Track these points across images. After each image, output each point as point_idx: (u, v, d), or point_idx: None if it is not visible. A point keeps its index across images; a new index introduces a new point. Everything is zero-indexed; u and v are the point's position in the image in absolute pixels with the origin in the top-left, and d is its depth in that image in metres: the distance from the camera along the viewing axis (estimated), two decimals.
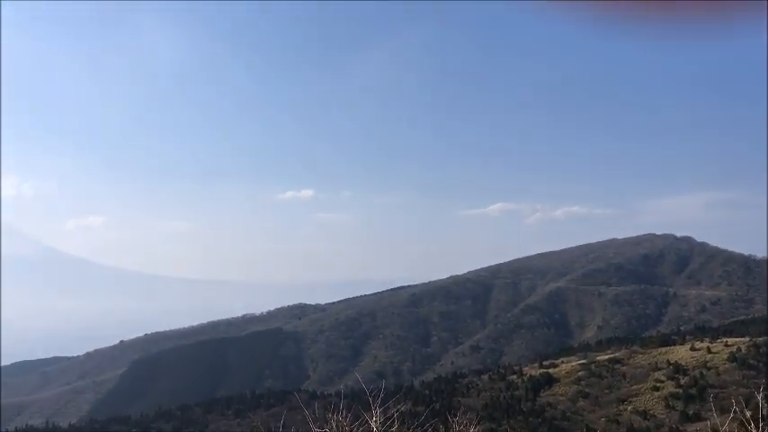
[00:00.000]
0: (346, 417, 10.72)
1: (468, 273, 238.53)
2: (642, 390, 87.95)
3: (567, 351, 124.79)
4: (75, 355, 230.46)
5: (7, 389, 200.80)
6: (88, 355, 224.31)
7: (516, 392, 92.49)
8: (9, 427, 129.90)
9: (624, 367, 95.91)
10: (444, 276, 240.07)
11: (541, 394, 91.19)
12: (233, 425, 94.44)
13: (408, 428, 12.20)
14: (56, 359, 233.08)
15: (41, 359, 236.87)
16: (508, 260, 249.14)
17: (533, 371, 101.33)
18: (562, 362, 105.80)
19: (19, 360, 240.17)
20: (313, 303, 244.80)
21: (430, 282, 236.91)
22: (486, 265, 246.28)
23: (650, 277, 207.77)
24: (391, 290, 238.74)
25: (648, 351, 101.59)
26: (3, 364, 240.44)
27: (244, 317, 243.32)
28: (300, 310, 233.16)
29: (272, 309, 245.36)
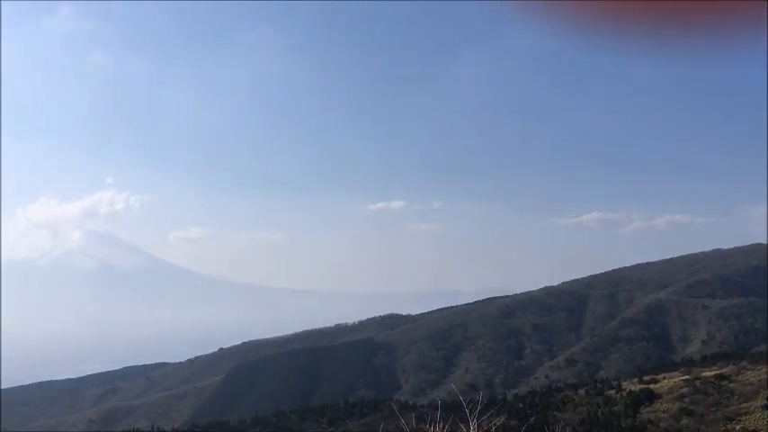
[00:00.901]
0: (443, 428, 10.81)
1: (563, 284, 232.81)
2: (752, 408, 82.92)
3: (669, 366, 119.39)
4: (177, 361, 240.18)
5: (117, 392, 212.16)
6: (190, 361, 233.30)
7: (615, 408, 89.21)
8: (118, 428, 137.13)
9: (732, 384, 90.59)
10: (537, 287, 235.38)
11: (642, 411, 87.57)
12: None
13: None
14: (160, 365, 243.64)
15: (147, 364, 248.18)
16: (604, 271, 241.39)
17: (633, 386, 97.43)
18: (664, 377, 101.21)
19: (127, 365, 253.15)
20: (404, 314, 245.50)
21: (522, 293, 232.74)
22: (580, 275, 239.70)
23: (759, 289, 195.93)
24: (483, 300, 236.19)
25: (758, 367, 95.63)
26: (112, 368, 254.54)
27: (336, 326, 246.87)
28: (392, 321, 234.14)
29: (363, 319, 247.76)
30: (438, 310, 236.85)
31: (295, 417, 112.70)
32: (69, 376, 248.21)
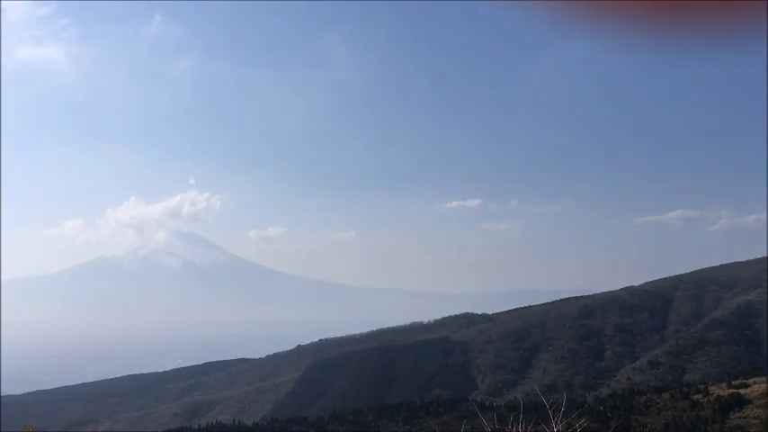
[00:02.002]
0: (525, 429, 10.37)
1: (645, 284, 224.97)
2: None
3: (760, 370, 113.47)
4: (257, 357, 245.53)
5: (200, 387, 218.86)
6: (269, 357, 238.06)
7: (701, 413, 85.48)
8: (201, 421, 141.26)
9: None
10: (618, 287, 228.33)
11: (731, 416, 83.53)
12: (403, 431, 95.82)
13: None
14: (240, 360, 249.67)
15: (228, 360, 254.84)
16: (690, 270, 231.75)
17: (721, 390, 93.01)
18: (755, 382, 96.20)
19: (209, 360, 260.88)
20: (480, 313, 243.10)
21: (603, 293, 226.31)
22: (664, 275, 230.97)
23: None
24: (561, 300, 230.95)
25: None
26: (195, 363, 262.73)
27: (411, 325, 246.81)
28: (467, 320, 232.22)
29: (438, 317, 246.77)
30: (515, 309, 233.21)
31: (371, 415, 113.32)
32: (154, 370, 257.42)
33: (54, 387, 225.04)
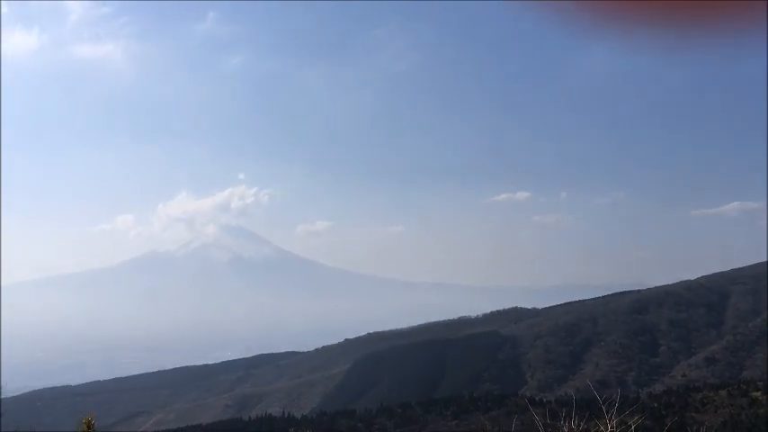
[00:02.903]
0: (578, 425, 9.84)
1: (701, 278, 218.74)
2: None
3: None
4: (305, 350, 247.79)
5: (250, 379, 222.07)
6: (317, 350, 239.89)
7: (760, 411, 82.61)
8: (252, 413, 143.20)
9: None
10: (673, 281, 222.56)
11: None
12: (451, 425, 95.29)
13: None
14: (289, 353, 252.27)
15: (277, 353, 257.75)
16: (748, 264, 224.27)
17: None
18: None
19: (258, 353, 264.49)
20: (530, 307, 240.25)
21: (657, 287, 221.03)
22: (721, 269, 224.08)
23: None
24: (613, 295, 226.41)
25: None
26: (245, 356, 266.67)
27: (460, 319, 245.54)
28: (517, 314, 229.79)
29: (487, 312, 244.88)
30: (565, 304, 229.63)
31: (420, 409, 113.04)
32: (206, 362, 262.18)
33: (110, 378, 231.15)
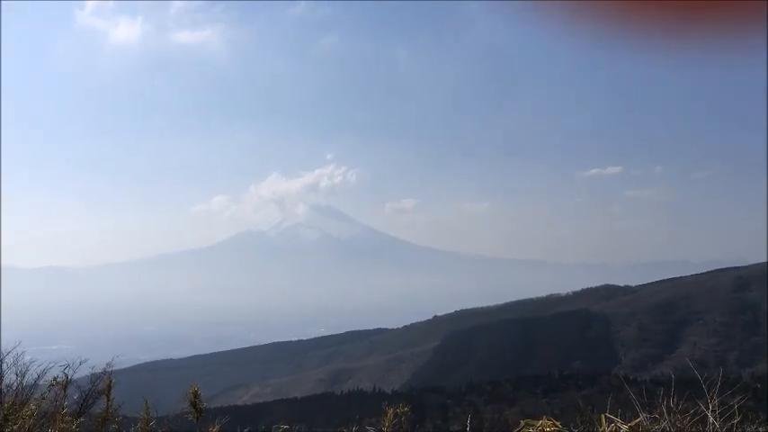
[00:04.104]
0: (676, 404, 9.74)
1: None
2: None
3: None
4: (394, 327, 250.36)
5: (341, 355, 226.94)
6: (406, 327, 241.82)
7: None
8: (343, 388, 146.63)
9: None
10: None
11: None
12: (542, 403, 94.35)
13: (753, 423, 10.75)
14: (378, 330, 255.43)
15: (367, 329, 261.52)
16: None
17: None
18: None
19: (349, 330, 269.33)
20: (622, 285, 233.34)
21: (761, 263, 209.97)
22: None
23: None
24: (712, 272, 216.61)
25: None
26: (335, 332, 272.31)
27: (549, 297, 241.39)
28: (608, 292, 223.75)
29: (577, 289, 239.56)
30: (660, 281, 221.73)
31: (509, 386, 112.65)
32: (299, 338, 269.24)
33: (210, 352, 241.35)
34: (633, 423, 6.49)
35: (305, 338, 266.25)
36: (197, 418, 7.68)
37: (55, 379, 7.96)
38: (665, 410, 10.35)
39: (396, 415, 7.34)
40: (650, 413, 9.81)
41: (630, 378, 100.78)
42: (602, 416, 6.46)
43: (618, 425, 6.34)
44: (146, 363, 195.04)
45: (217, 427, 7.58)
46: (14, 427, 6.85)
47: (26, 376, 8.33)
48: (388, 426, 7.27)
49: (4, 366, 8.01)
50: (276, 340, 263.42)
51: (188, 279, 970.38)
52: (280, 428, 7.57)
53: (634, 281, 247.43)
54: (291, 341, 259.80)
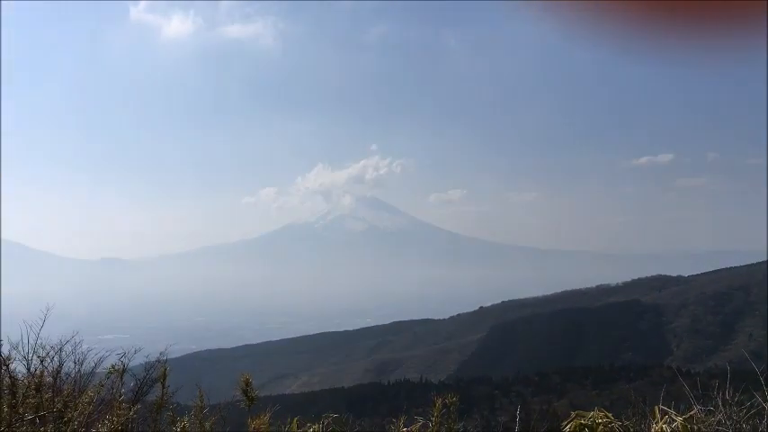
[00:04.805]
0: (732, 396, 9.50)
1: None
2: None
3: None
4: (440, 318, 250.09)
5: (387, 345, 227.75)
6: (452, 318, 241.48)
7: None
8: (390, 378, 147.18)
9: None
10: None
11: None
12: (591, 395, 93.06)
13: None
14: (425, 321, 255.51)
15: (413, 320, 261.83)
16: None
17: None
18: None
19: (395, 320, 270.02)
20: (674, 275, 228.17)
21: None
22: None
23: None
24: None
25: None
26: (382, 323, 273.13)
27: (598, 287, 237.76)
28: (660, 282, 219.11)
29: (627, 280, 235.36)
30: (714, 271, 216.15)
31: (558, 377, 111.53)
32: (345, 329, 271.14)
33: (258, 342, 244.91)
34: (688, 415, 6.36)
35: (351, 329, 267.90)
36: (249, 406, 7.83)
37: (113, 366, 8.20)
38: (720, 403, 10.12)
39: (444, 405, 7.35)
40: (705, 406, 9.60)
41: (684, 370, 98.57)
42: (656, 408, 6.35)
43: (672, 416, 6.22)
44: (197, 352, 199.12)
45: (267, 415, 7.71)
46: (74, 414, 7.07)
47: (84, 364, 8.59)
48: (437, 415, 7.29)
49: (63, 355, 8.28)
50: (323, 330, 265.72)
51: (237, 270, 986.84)
52: (328, 417, 7.66)
53: (687, 271, 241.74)
54: (338, 331, 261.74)
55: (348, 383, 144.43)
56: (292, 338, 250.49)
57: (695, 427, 6.35)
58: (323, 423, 7.61)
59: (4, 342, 7.35)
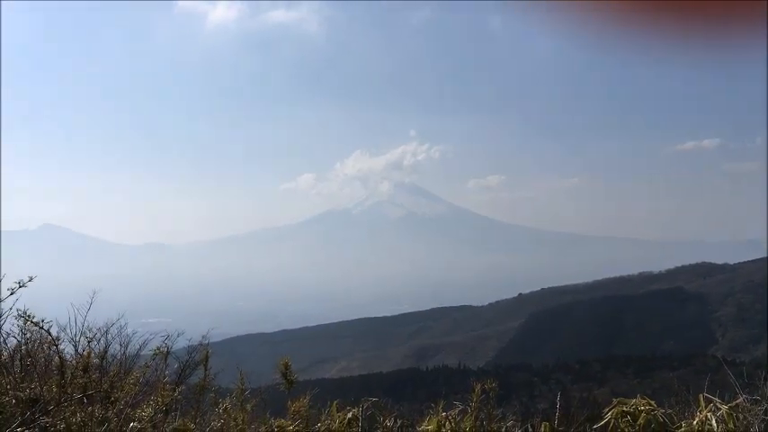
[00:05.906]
0: None
1: None
2: None
3: None
4: (479, 305, 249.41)
5: (426, 331, 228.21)
6: (491, 305, 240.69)
7: None
8: (429, 363, 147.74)
9: None
10: None
11: None
12: (633, 384, 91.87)
13: None
14: (464, 307, 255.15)
15: (452, 306, 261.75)
16: None
17: None
18: None
19: (434, 306, 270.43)
20: (720, 263, 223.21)
21: None
22: None
23: None
24: None
25: None
26: (421, 309, 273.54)
27: (641, 275, 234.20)
28: (704, 270, 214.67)
29: (671, 267, 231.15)
30: (762, 259, 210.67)
31: (598, 365, 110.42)
32: (385, 315, 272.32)
33: (298, 327, 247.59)
34: (733, 404, 6.24)
35: (390, 315, 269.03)
36: (288, 389, 7.93)
37: (158, 349, 8.39)
38: (767, 393, 9.88)
39: (483, 391, 7.34)
40: (751, 395, 9.38)
41: (728, 359, 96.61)
42: (700, 396, 6.24)
43: (717, 405, 6.12)
44: (238, 336, 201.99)
45: (307, 398, 7.80)
46: (120, 394, 7.26)
47: (128, 347, 8.80)
48: (476, 401, 7.28)
49: (109, 337, 8.49)
50: (362, 316, 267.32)
51: (276, 256, 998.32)
52: (367, 401, 7.72)
53: (733, 258, 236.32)
54: (377, 317, 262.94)
55: (387, 369, 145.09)
56: (331, 323, 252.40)
57: (740, 416, 6.22)
58: (362, 407, 7.67)
59: (54, 324, 7.57)
